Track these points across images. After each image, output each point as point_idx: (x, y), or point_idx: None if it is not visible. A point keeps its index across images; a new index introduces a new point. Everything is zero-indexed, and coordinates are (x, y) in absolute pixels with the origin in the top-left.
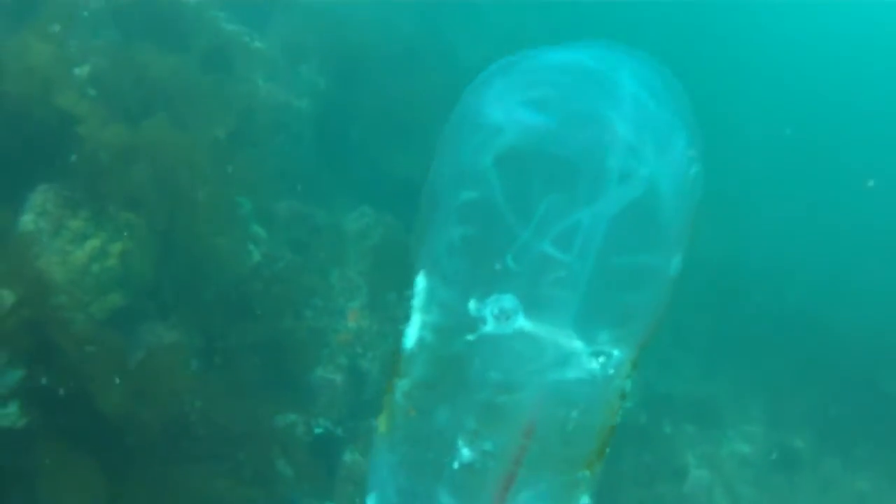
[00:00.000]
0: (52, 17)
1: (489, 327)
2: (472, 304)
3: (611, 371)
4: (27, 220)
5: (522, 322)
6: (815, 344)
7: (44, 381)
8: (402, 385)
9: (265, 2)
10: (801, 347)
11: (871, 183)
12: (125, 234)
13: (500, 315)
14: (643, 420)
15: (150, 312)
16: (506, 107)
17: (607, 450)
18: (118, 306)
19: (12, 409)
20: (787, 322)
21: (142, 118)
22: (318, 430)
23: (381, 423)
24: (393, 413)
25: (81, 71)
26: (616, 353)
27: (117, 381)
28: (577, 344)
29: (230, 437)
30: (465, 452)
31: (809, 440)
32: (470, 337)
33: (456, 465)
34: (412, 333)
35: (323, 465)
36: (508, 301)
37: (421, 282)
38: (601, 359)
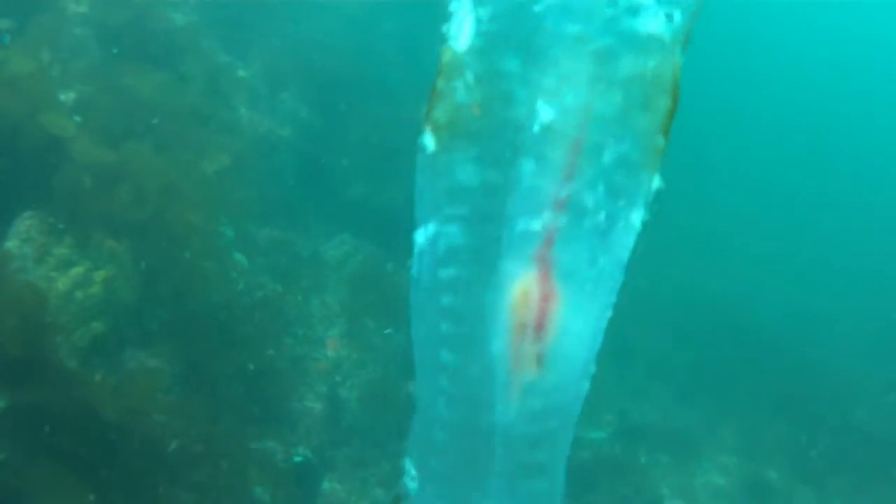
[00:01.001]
0: (38, 40)
1: None
2: None
3: (674, 34)
4: (11, 247)
5: None
6: (789, 375)
7: (27, 406)
8: (460, 84)
9: (247, 29)
10: (776, 378)
11: None
12: (109, 261)
13: None
14: (618, 450)
15: (133, 339)
16: None
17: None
18: (101, 333)
19: None
20: (761, 353)
21: (126, 145)
22: (297, 459)
23: (434, 141)
24: (453, 121)
25: (67, 96)
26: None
27: (99, 406)
28: None
29: (209, 464)
30: (545, 111)
31: (783, 471)
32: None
33: (536, 128)
34: (462, 30)
35: (301, 493)
36: None
37: None
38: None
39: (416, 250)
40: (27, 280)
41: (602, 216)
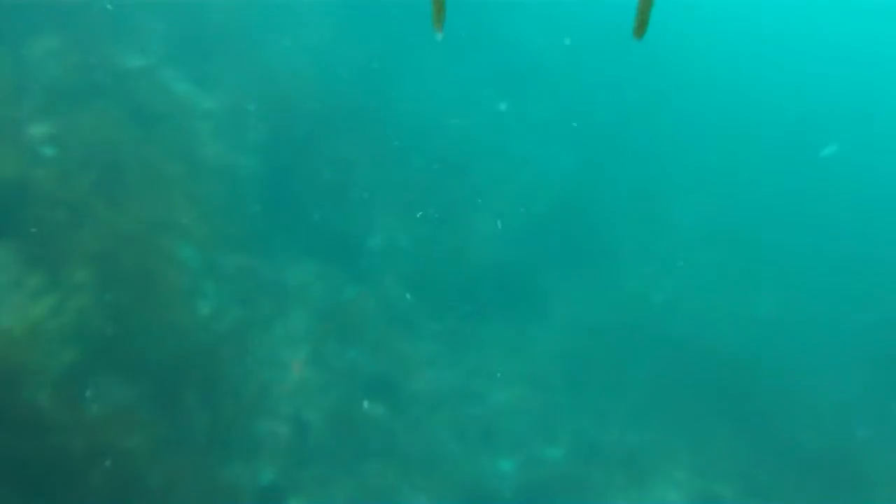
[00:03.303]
0: (6, 78)
1: None
2: None
3: None
4: None
5: None
6: (741, 393)
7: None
8: None
9: (215, 62)
10: (728, 396)
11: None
12: (80, 291)
13: None
14: (574, 468)
15: (105, 366)
16: None
17: None
18: (74, 361)
19: None
20: (715, 371)
21: (95, 177)
22: (263, 481)
23: None
24: None
25: (38, 130)
26: None
27: (71, 433)
28: None
29: (179, 490)
30: None
31: (735, 488)
32: None
33: None
34: None
35: None
36: None
37: None
38: None
39: None
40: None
41: None
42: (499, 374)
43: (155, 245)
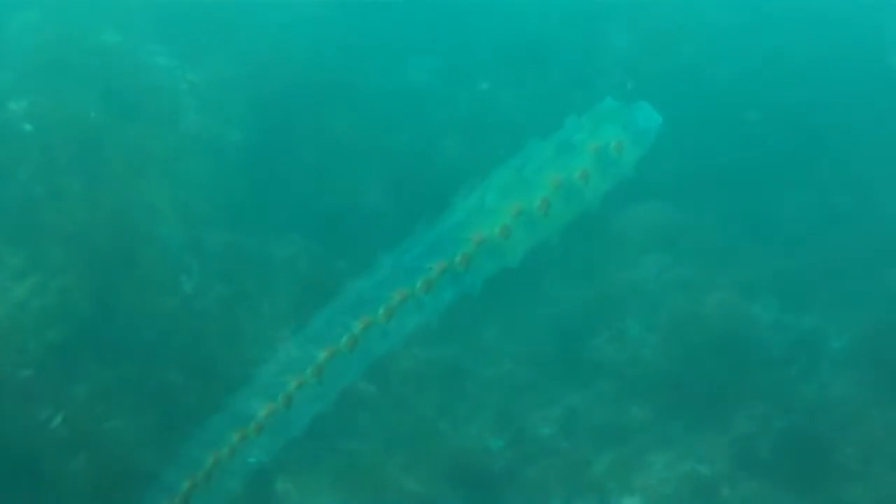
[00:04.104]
0: None
1: None
2: None
3: None
4: None
5: None
6: (730, 367)
7: None
8: None
9: (198, 36)
10: (724, 373)
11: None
12: (63, 270)
13: None
14: (565, 445)
15: (88, 347)
16: None
17: None
18: (57, 341)
19: None
20: (709, 348)
21: (76, 154)
22: (250, 460)
23: None
24: None
25: (18, 105)
26: None
27: (56, 416)
28: None
29: (165, 469)
30: None
31: (730, 466)
32: None
33: None
34: None
35: (255, 494)
36: None
37: None
38: None
39: None
40: None
41: None
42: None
43: (136, 222)
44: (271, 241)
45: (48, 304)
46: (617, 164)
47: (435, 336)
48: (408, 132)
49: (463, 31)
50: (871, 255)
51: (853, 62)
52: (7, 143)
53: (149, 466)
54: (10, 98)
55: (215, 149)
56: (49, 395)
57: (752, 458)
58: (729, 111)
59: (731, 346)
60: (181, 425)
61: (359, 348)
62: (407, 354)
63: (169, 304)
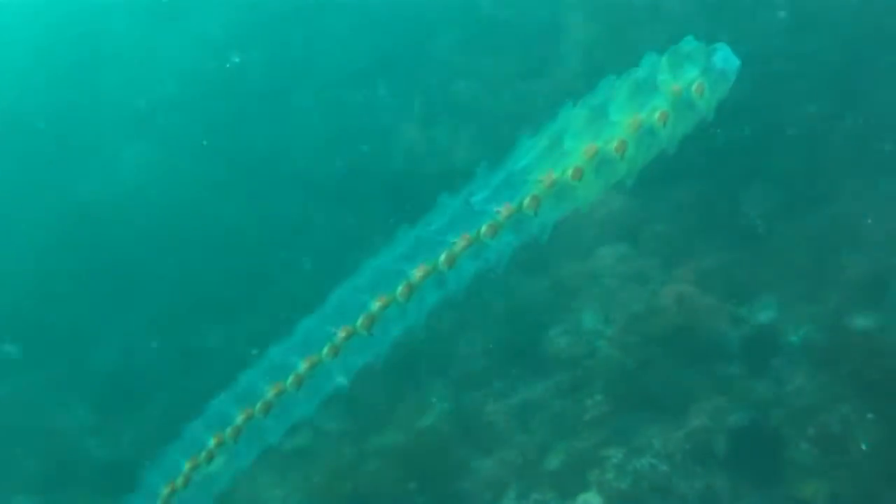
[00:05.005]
0: None
1: None
2: None
3: None
4: None
5: None
6: (686, 361)
7: None
8: None
9: None
10: (675, 364)
11: None
12: None
13: None
14: (521, 438)
15: None
16: None
17: None
18: None
19: None
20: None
21: None
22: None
23: None
24: None
25: None
26: None
27: None
28: None
29: None
30: None
31: (684, 459)
32: None
33: None
34: None
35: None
36: None
37: None
38: None
39: None
40: None
41: None
42: None
43: None
44: None
45: None
46: (696, 108)
47: None
48: None
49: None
50: (828, 248)
51: (809, 52)
52: None
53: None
54: None
55: None
56: None
57: (708, 453)
58: None
59: (688, 339)
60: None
61: (414, 297)
62: None
63: None
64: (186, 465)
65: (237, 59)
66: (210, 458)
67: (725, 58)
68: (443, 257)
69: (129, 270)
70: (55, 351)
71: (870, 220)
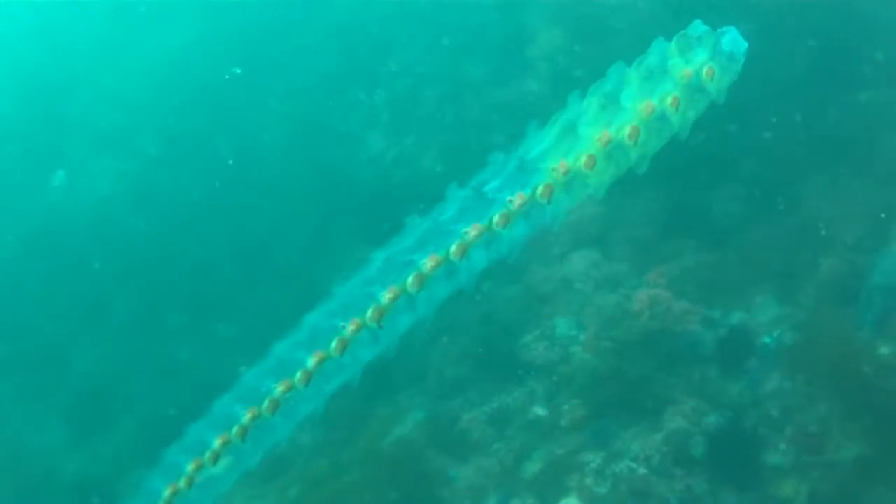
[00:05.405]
0: None
1: None
2: None
3: None
4: None
5: None
6: (661, 364)
7: None
8: None
9: None
10: (649, 368)
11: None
12: None
13: None
14: (498, 446)
15: None
16: None
17: None
18: None
19: None
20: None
21: None
22: None
23: None
24: None
25: None
26: None
27: None
28: None
29: None
30: None
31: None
32: None
33: None
34: None
35: None
36: None
37: None
38: None
39: None
40: None
41: None
42: None
43: None
44: None
45: None
46: (707, 91)
47: None
48: None
49: None
50: (798, 249)
51: (776, 56)
52: None
53: None
54: None
55: None
56: None
57: (686, 455)
58: None
59: (662, 342)
60: None
61: (426, 288)
62: None
63: None
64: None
65: (238, 70)
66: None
67: (734, 41)
68: (454, 248)
69: (98, 284)
70: (25, 367)
71: (823, 231)
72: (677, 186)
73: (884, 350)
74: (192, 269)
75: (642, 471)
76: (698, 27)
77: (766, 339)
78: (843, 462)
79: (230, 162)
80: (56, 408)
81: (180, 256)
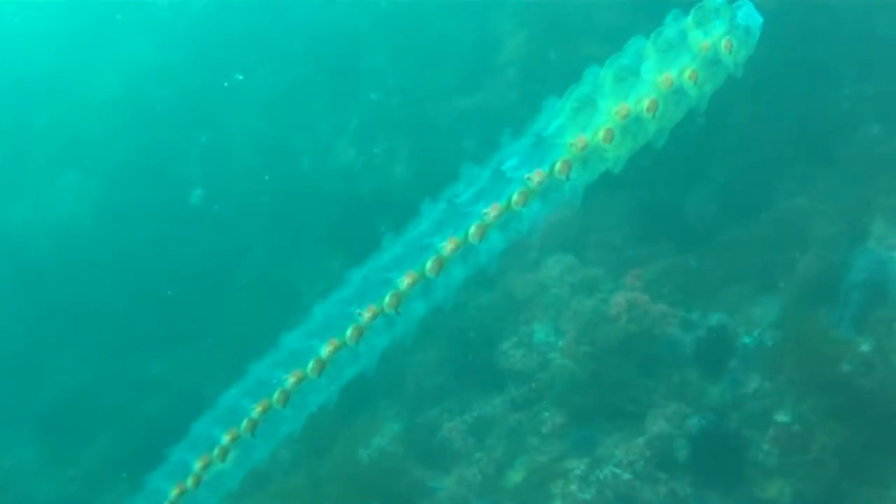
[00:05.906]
0: None
1: None
2: None
3: None
4: None
5: None
6: (641, 368)
7: None
8: None
9: None
10: (629, 372)
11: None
12: None
13: None
14: (479, 455)
15: None
16: None
17: None
18: None
19: None
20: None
21: None
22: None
23: None
24: None
25: None
26: None
27: None
28: None
29: None
30: None
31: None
32: None
33: None
34: None
35: None
36: None
37: None
38: None
39: None
40: None
41: None
42: None
43: None
44: None
45: None
46: (724, 65)
47: None
48: None
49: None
50: (774, 248)
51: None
52: None
53: None
54: None
55: None
56: None
57: (670, 459)
58: None
59: (641, 346)
60: None
61: (443, 271)
62: None
63: None
64: None
65: (240, 77)
66: None
67: (749, 14)
68: (473, 229)
69: (66, 303)
70: None
71: (799, 229)
72: (651, 189)
73: (864, 347)
74: (165, 282)
75: (626, 476)
76: (714, 1)
77: (746, 340)
78: (827, 461)
79: (199, 172)
80: (27, 427)
81: (152, 270)
